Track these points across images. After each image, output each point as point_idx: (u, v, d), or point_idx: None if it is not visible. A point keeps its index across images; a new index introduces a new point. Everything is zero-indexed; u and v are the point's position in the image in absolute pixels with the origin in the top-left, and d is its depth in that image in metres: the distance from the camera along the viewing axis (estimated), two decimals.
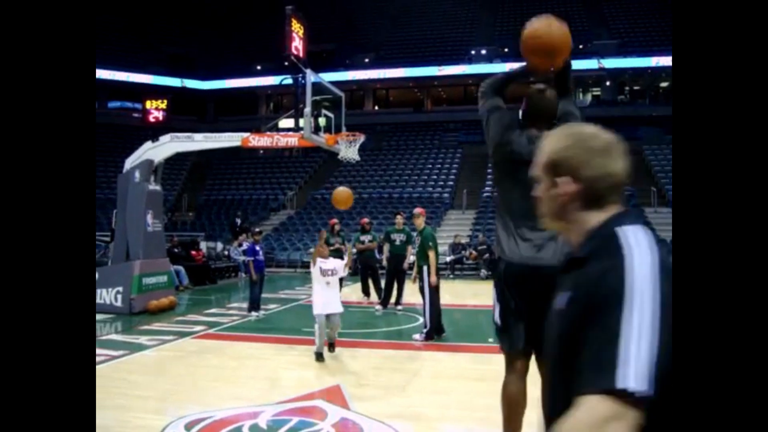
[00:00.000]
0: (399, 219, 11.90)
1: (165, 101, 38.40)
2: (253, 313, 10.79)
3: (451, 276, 19.65)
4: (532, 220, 2.81)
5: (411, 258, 10.86)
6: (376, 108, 41.60)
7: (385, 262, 11.67)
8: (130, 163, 12.30)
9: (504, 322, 3.30)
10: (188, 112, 39.01)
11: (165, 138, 12.26)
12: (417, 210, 9.50)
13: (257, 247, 10.89)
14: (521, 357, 3.27)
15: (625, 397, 1.19)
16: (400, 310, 11.34)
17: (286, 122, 13.97)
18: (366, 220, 13.48)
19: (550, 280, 2.30)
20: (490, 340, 8.75)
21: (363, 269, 13.03)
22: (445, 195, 28.27)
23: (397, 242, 11.42)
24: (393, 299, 11.67)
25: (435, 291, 8.79)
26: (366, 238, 12.63)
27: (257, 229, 11.93)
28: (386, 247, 11.66)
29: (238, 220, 23.90)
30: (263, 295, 11.25)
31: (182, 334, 9.08)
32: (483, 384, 6.13)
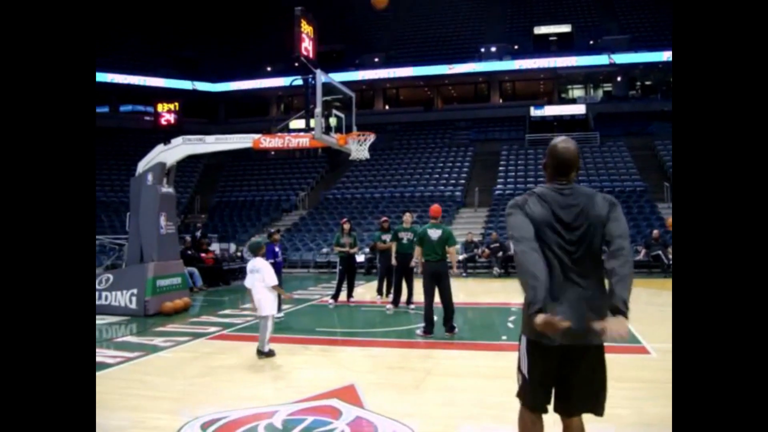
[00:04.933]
0: (407, 217, 11.84)
1: (176, 104, 38.60)
2: (276, 315, 10.71)
3: (464, 274, 19.62)
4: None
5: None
6: (387, 107, 41.63)
7: (393, 261, 11.64)
8: (142, 166, 12.37)
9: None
10: (199, 114, 39.21)
11: (177, 140, 12.32)
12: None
13: (276, 248, 10.68)
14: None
15: None
16: (412, 309, 11.33)
17: (296, 123, 13.98)
18: (386, 219, 13.41)
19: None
20: (504, 337, 8.74)
21: (383, 268, 12.95)
22: (457, 193, 28.24)
23: (404, 240, 11.37)
24: (404, 298, 11.67)
25: (426, 286, 8.96)
26: (387, 237, 12.54)
27: (273, 230, 11.84)
28: (394, 246, 11.63)
29: (198, 234, 21.66)
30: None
31: (196, 336, 9.13)
32: (497, 381, 6.12)
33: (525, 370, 3.11)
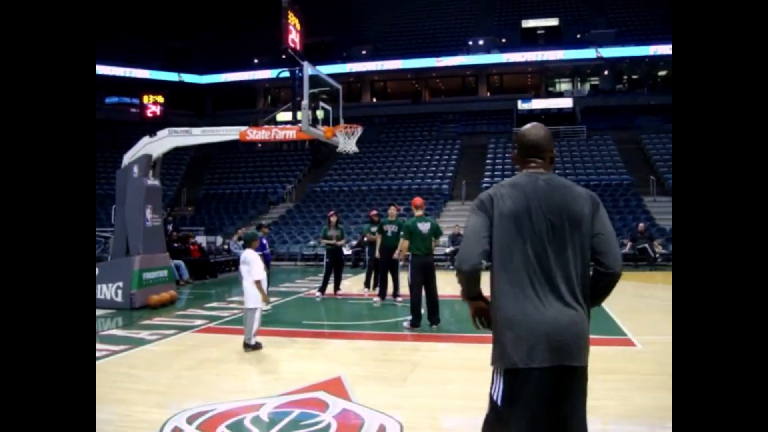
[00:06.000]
0: (392, 210, 11.85)
1: (162, 96, 38.38)
2: (264, 307, 10.70)
3: (451, 267, 19.66)
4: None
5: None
6: (374, 100, 41.53)
7: (377, 254, 11.67)
8: (128, 158, 12.28)
9: None
10: (186, 106, 38.93)
11: (163, 133, 12.24)
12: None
13: (264, 241, 10.72)
14: None
15: None
16: (400, 302, 11.34)
17: (284, 115, 13.93)
18: (375, 212, 13.41)
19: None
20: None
21: (371, 261, 12.95)
22: (445, 186, 28.26)
23: (389, 233, 11.38)
24: (390, 291, 11.68)
25: (416, 280, 8.93)
26: (376, 229, 12.56)
27: (262, 222, 11.82)
28: (379, 239, 11.65)
29: (170, 226, 19.46)
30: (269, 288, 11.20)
31: (183, 329, 9.10)
32: (483, 373, 6.12)
33: (503, 409, 2.64)
